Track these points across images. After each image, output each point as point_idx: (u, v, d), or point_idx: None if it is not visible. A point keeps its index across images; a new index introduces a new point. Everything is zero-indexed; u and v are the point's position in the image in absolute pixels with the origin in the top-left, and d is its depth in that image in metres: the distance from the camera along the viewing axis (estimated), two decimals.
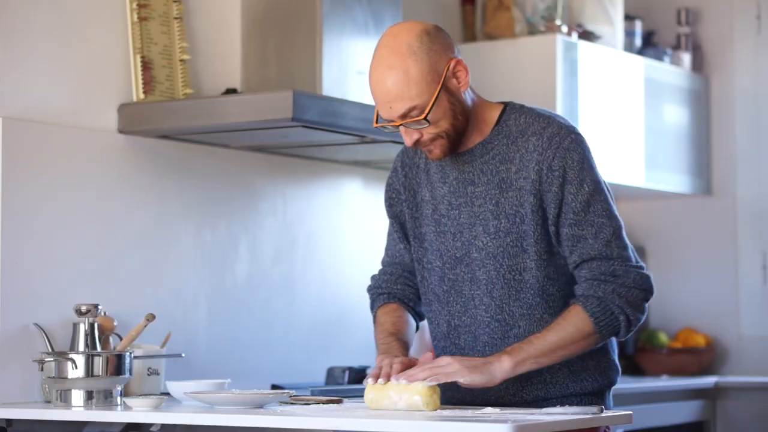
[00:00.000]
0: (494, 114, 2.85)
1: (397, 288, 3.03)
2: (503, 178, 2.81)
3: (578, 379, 2.85)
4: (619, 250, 2.77)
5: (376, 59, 2.75)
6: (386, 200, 3.02)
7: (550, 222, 2.78)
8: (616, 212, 2.81)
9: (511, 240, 2.80)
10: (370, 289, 3.09)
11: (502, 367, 2.69)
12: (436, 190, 2.89)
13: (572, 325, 2.73)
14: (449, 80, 2.75)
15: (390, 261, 3.06)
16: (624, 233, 2.80)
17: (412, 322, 3.02)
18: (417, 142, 2.78)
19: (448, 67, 2.74)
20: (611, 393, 2.94)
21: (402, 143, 3.00)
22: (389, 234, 3.05)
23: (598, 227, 2.76)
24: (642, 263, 2.80)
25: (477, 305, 2.85)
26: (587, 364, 2.85)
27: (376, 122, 2.80)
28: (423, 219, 2.93)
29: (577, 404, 2.83)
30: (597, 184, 2.79)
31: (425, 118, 2.72)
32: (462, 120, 2.79)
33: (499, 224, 2.81)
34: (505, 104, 2.88)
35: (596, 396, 2.88)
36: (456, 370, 2.67)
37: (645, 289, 2.78)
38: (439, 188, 2.88)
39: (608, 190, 2.83)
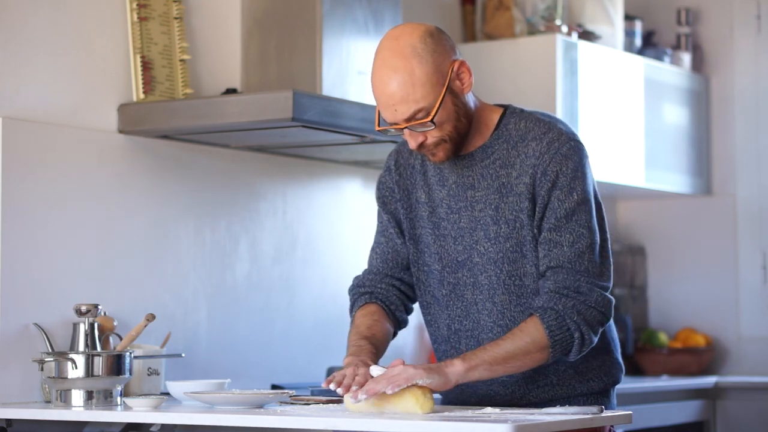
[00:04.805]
0: (494, 117, 2.83)
1: (381, 288, 2.96)
2: (503, 183, 2.79)
3: (584, 379, 2.84)
4: (588, 265, 2.73)
5: (379, 62, 2.72)
6: (379, 198, 2.97)
7: (535, 224, 2.76)
8: (597, 228, 2.76)
9: (510, 245, 2.79)
10: (351, 290, 3.00)
11: (455, 371, 2.64)
12: (433, 193, 2.87)
13: (528, 336, 2.68)
14: (453, 82, 2.72)
15: (379, 258, 2.98)
16: (598, 250, 2.75)
17: (390, 328, 2.93)
18: (421, 146, 2.75)
19: (452, 68, 2.72)
20: (615, 392, 2.93)
21: (395, 142, 2.99)
22: (380, 233, 2.98)
23: (576, 236, 2.73)
24: (609, 284, 2.76)
25: (480, 310, 2.84)
26: (592, 365, 2.84)
27: (379, 125, 2.78)
28: (418, 221, 2.91)
29: (584, 404, 2.82)
30: (586, 195, 2.76)
31: (431, 121, 2.69)
32: (465, 122, 2.77)
33: (499, 229, 2.79)
34: (505, 108, 2.86)
35: (602, 395, 2.87)
36: (413, 374, 2.60)
37: (603, 312, 2.73)
38: (438, 191, 2.87)
39: (597, 204, 2.80)
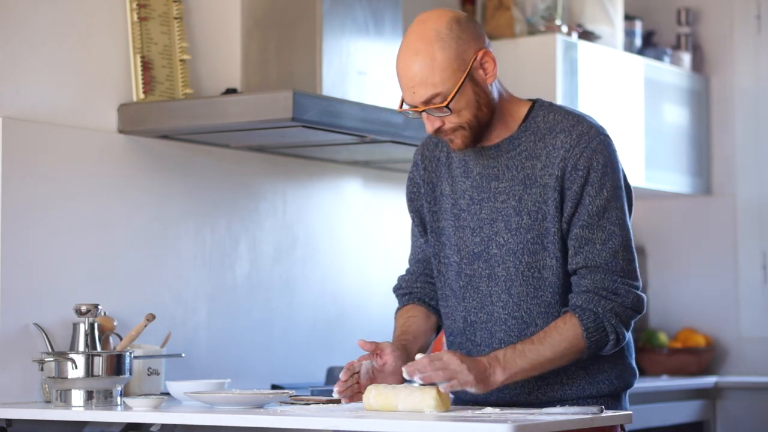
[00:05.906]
0: (522, 110, 2.84)
1: (417, 286, 3.00)
2: (528, 174, 2.78)
3: (594, 381, 2.83)
4: (624, 264, 2.76)
5: (404, 44, 2.74)
6: (407, 195, 2.99)
7: (564, 219, 2.76)
8: (629, 223, 2.80)
9: (531, 237, 2.78)
10: (395, 290, 3.06)
11: (496, 380, 2.67)
12: (457, 185, 2.87)
13: (566, 341, 2.71)
14: (476, 70, 2.73)
15: (413, 259, 3.03)
16: (632, 245, 2.79)
17: (431, 318, 2.97)
18: (438, 130, 2.76)
19: (476, 57, 2.73)
20: (627, 396, 2.92)
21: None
22: (412, 232, 3.02)
23: (609, 234, 2.76)
24: (640, 281, 2.79)
25: (494, 302, 2.83)
26: (603, 367, 2.83)
27: (400, 107, 2.79)
28: (441, 213, 2.90)
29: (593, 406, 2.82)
30: (616, 191, 2.78)
31: (447, 106, 2.70)
32: (486, 112, 2.77)
33: (521, 221, 2.78)
34: (534, 101, 2.87)
35: (612, 398, 2.85)
36: (470, 380, 2.63)
37: (638, 311, 2.78)
38: (461, 183, 2.86)
39: (627, 198, 2.82)
